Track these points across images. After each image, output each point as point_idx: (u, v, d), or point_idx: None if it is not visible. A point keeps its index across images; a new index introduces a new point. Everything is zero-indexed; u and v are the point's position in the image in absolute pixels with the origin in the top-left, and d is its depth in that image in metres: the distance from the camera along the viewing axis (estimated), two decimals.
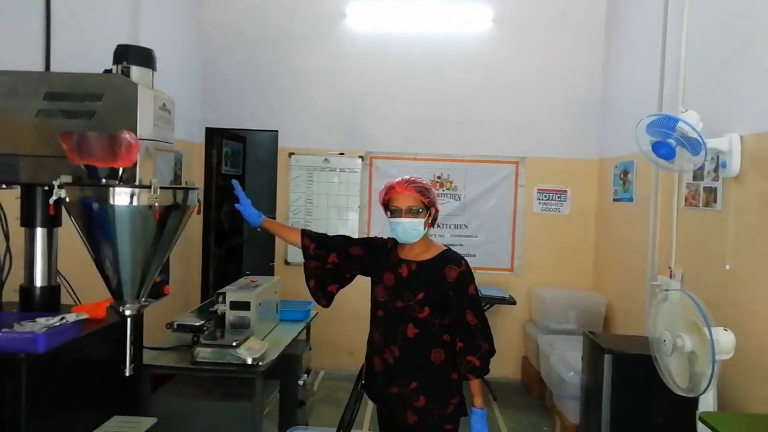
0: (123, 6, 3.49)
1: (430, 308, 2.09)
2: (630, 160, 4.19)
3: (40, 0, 2.84)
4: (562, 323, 4.54)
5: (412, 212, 2.10)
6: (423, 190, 2.13)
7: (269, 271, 5.04)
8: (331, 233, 2.36)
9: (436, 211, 2.20)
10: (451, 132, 4.97)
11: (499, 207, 4.95)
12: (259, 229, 2.33)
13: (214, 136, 5.15)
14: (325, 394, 4.46)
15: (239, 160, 5.83)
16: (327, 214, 5.04)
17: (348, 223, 5.02)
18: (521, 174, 4.95)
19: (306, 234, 2.30)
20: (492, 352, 2.12)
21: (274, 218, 5.10)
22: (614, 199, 4.50)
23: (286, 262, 4.99)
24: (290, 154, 5.05)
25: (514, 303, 4.44)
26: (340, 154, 5.02)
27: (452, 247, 2.26)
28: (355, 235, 4.92)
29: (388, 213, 2.17)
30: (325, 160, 5.02)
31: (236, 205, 2.27)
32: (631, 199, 4.20)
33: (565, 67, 4.93)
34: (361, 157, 5.01)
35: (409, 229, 2.11)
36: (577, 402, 3.45)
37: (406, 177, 2.18)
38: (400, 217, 2.11)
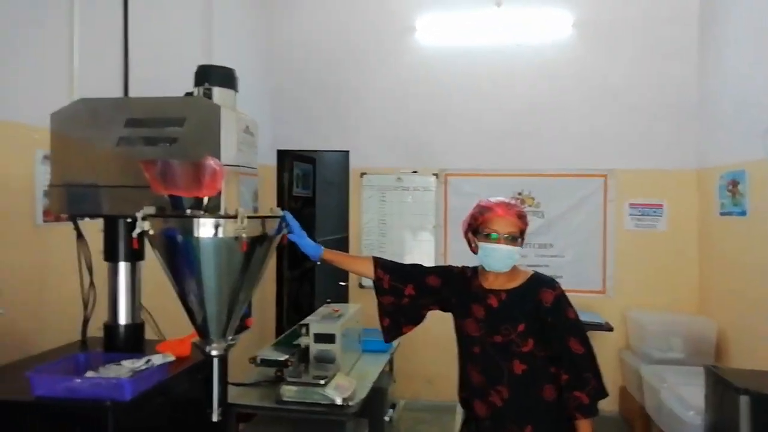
0: (197, 28, 3.47)
1: (534, 340, 1.85)
2: (739, 169, 3.74)
3: (118, 25, 2.83)
4: (666, 351, 4.09)
5: (510, 239, 1.88)
6: (522, 216, 1.92)
7: (342, 294, 4.89)
8: (406, 254, 2.13)
9: (524, 238, 1.97)
10: (531, 145, 4.67)
11: (587, 224, 4.58)
12: (319, 262, 2.09)
13: (285, 158, 5.10)
14: (406, 428, 4.20)
15: (310, 181, 5.76)
16: (401, 235, 4.84)
17: (423, 244, 4.80)
18: (610, 187, 4.57)
19: (379, 264, 2.06)
20: (601, 390, 1.85)
21: (347, 239, 4.98)
22: (722, 213, 4.04)
23: (361, 286, 4.82)
24: (362, 174, 4.90)
25: (611, 329, 4.04)
26: (413, 172, 4.83)
27: (537, 269, 2.02)
28: (432, 258, 4.81)
29: (479, 236, 1.93)
30: (398, 179, 4.84)
31: (290, 236, 1.96)
32: (743, 213, 3.74)
33: (654, 70, 4.53)
34: (435, 174, 4.79)
35: (506, 258, 1.89)
36: None
37: (501, 199, 1.95)
38: (498, 243, 1.88)
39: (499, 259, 1.89)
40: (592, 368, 1.85)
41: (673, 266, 4.49)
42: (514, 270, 1.96)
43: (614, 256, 4.56)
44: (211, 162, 1.60)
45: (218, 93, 1.79)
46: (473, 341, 1.94)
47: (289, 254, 5.17)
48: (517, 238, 1.89)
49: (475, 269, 2.02)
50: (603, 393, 1.86)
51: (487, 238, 1.90)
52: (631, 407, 4.15)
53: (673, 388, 3.47)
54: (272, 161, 4.98)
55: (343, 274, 4.89)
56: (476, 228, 1.95)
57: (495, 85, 4.71)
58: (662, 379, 3.66)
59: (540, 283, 1.93)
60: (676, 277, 4.48)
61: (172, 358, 1.75)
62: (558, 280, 1.94)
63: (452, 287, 2.02)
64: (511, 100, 4.69)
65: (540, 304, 1.88)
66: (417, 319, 2.09)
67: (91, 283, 2.00)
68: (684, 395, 3.29)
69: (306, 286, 5.70)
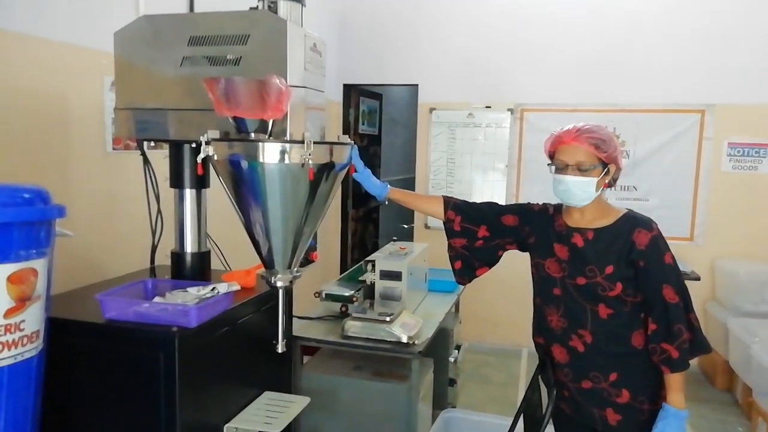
0: None
1: (623, 284, 1.67)
2: None
3: None
4: (758, 305, 3.77)
5: (581, 169, 1.66)
6: (599, 142, 1.66)
7: (408, 236, 4.79)
8: (475, 195, 1.96)
9: (618, 168, 1.73)
10: (619, 78, 4.24)
11: (678, 165, 4.18)
12: (386, 203, 1.95)
13: (351, 93, 4.94)
14: (470, 370, 4.15)
15: (375, 118, 5.59)
16: (471, 176, 4.63)
17: (495, 184, 4.57)
18: (708, 125, 4.12)
19: (449, 205, 1.91)
20: (696, 345, 1.67)
21: (413, 180, 4.83)
22: None
23: (427, 227, 4.70)
24: (431, 110, 4.67)
25: (697, 279, 3.74)
26: (487, 107, 4.54)
27: None
28: (503, 200, 4.59)
29: (552, 168, 1.74)
30: (470, 114, 4.58)
31: (353, 175, 1.84)
32: None
33: None
34: (510, 110, 4.49)
35: (574, 190, 1.68)
36: None
37: (580, 125, 1.71)
38: (565, 173, 1.68)
39: (565, 192, 1.70)
40: (686, 320, 1.67)
41: None
42: (604, 206, 1.76)
43: (707, 201, 4.16)
44: (276, 81, 1.48)
45: (284, 6, 1.65)
46: (554, 282, 1.78)
47: (354, 193, 5.10)
48: (591, 168, 1.67)
49: (559, 206, 1.84)
50: (699, 348, 1.68)
51: (557, 169, 1.72)
52: (715, 361, 3.88)
53: (765, 344, 3.19)
54: (337, 96, 4.84)
55: (409, 216, 4.77)
56: (552, 158, 1.76)
57: (577, 12, 4.27)
58: (753, 333, 3.39)
59: (634, 222, 1.72)
60: None
61: (237, 287, 1.72)
62: None
63: (532, 225, 1.86)
64: (595, 29, 4.25)
65: (633, 245, 1.68)
66: (492, 261, 1.94)
67: (159, 211, 1.99)
68: None
69: (370, 226, 5.66)
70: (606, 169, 1.70)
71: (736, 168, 4.11)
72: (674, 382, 1.67)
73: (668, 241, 1.73)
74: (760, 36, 3.98)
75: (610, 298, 1.69)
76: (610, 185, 1.75)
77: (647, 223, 1.72)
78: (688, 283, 1.76)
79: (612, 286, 1.69)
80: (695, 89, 4.12)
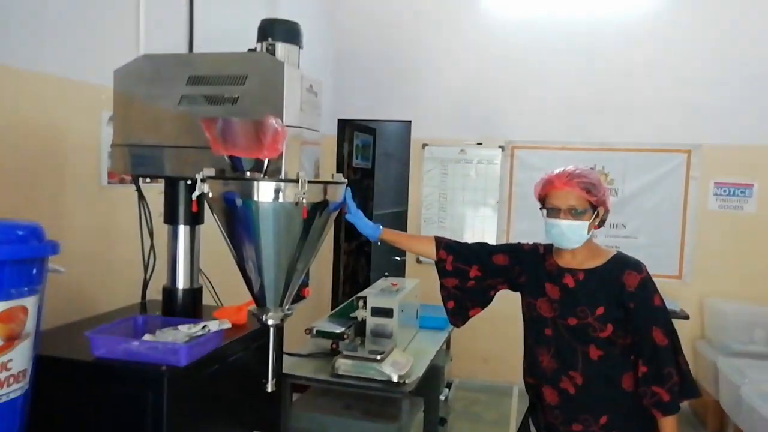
0: None
1: (614, 325, 1.69)
2: None
3: None
4: (747, 344, 3.79)
5: (573, 213, 1.70)
6: (590, 187, 1.71)
7: (400, 269, 4.80)
8: (466, 231, 1.99)
9: (606, 211, 1.77)
10: (608, 117, 4.34)
11: (666, 204, 4.25)
12: (378, 243, 1.99)
13: (346, 128, 5.00)
14: (460, 408, 4.10)
15: (369, 152, 5.65)
16: (462, 211, 4.67)
17: (486, 220, 4.61)
18: (694, 164, 4.20)
19: (441, 244, 1.94)
20: (685, 388, 1.67)
21: (406, 213, 4.86)
22: None
23: (419, 261, 4.70)
24: (423, 146, 4.74)
25: (686, 317, 3.75)
26: (478, 144, 4.62)
27: None
28: (493, 236, 4.62)
29: (544, 211, 1.78)
30: (461, 151, 4.65)
31: (346, 216, 1.89)
32: None
33: (752, 36, 4.09)
34: (501, 147, 4.56)
35: (567, 233, 1.72)
36: None
37: (570, 169, 1.76)
38: (558, 218, 1.72)
39: (559, 235, 1.74)
40: (676, 363, 1.68)
41: (761, 252, 4.11)
42: (594, 248, 1.80)
43: (694, 239, 4.22)
44: (272, 121, 1.51)
45: (282, 48, 1.69)
46: (545, 322, 1.79)
47: (346, 226, 5.11)
48: (583, 212, 1.71)
49: (549, 246, 1.87)
50: (689, 392, 1.69)
51: (549, 213, 1.75)
52: (704, 401, 3.87)
53: (755, 385, 3.20)
54: (332, 131, 4.90)
55: (400, 249, 4.78)
56: (542, 202, 1.80)
57: (569, 52, 4.39)
58: (742, 373, 3.39)
59: (624, 264, 1.75)
60: (762, 264, 4.10)
61: (228, 325, 1.70)
62: None
63: (522, 265, 1.88)
64: (585, 69, 4.37)
65: (623, 287, 1.70)
66: (485, 301, 1.96)
67: (152, 246, 1.99)
68: None
69: (362, 259, 5.65)
70: (596, 212, 1.74)
71: (722, 207, 4.18)
72: (668, 427, 1.67)
73: (657, 279, 1.75)
74: (743, 79, 4.11)
75: (601, 339, 1.71)
76: (599, 226, 1.79)
77: (637, 265, 1.75)
78: (676, 321, 1.78)
79: (603, 327, 1.70)
80: (682, 129, 4.22)
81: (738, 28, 4.11)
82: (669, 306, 4.07)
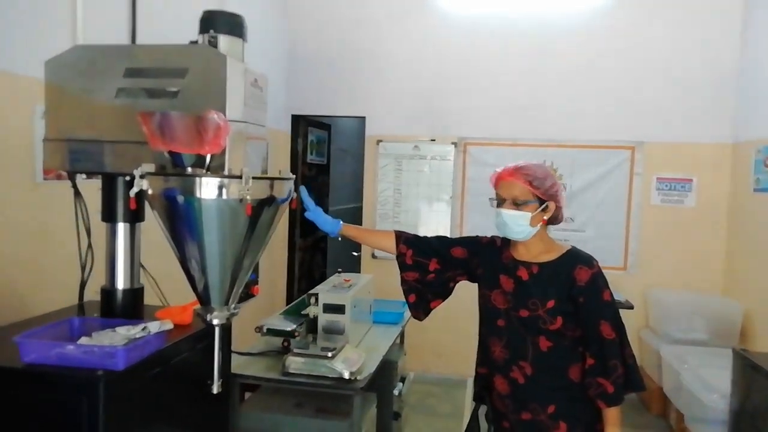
0: None
1: (563, 318, 1.73)
2: None
3: None
4: (688, 332, 3.95)
5: (516, 203, 1.74)
6: (533, 179, 1.74)
7: (356, 264, 4.78)
8: (421, 225, 2.01)
9: (557, 207, 1.80)
10: (556, 115, 4.45)
11: (611, 198, 4.39)
12: (339, 239, 2.00)
13: (300, 124, 4.94)
14: (415, 401, 4.13)
15: (324, 148, 5.60)
16: (417, 206, 4.69)
17: (440, 215, 4.65)
18: (638, 161, 4.35)
19: (401, 239, 1.96)
20: (630, 381, 1.72)
21: (361, 209, 4.84)
22: (756, 190, 3.83)
23: (374, 256, 4.70)
24: (378, 142, 4.73)
25: (630, 308, 3.88)
26: (431, 140, 4.65)
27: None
28: (447, 230, 4.67)
29: (494, 202, 1.82)
30: (415, 147, 4.67)
31: (306, 214, 1.93)
32: None
33: (692, 38, 4.26)
34: (454, 143, 4.61)
35: (509, 222, 1.76)
36: (720, 428, 2.92)
37: (520, 163, 1.79)
38: (502, 207, 1.76)
39: (501, 225, 1.78)
40: (622, 356, 1.72)
41: (700, 244, 4.31)
42: (548, 242, 1.83)
43: (638, 232, 4.38)
44: (214, 116, 1.46)
45: (224, 41, 1.65)
46: (498, 314, 1.82)
47: (301, 222, 5.06)
48: (525, 203, 1.74)
49: (507, 240, 1.88)
50: (633, 385, 1.73)
51: (497, 203, 1.79)
52: (649, 387, 4.02)
53: (694, 370, 3.34)
54: (286, 127, 4.83)
55: (356, 245, 4.76)
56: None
57: (520, 51, 4.47)
58: (683, 360, 3.53)
59: (576, 259, 1.79)
60: (702, 255, 4.30)
61: (170, 326, 1.65)
62: None
63: (480, 257, 1.91)
64: (535, 68, 4.46)
65: (574, 281, 1.74)
66: (445, 293, 1.98)
67: (89, 245, 1.90)
68: (706, 378, 3.16)
69: (318, 255, 5.61)
70: (545, 206, 1.76)
71: (664, 201, 4.35)
72: (612, 417, 1.72)
73: (604, 270, 1.79)
74: (684, 80, 4.28)
75: (551, 331, 1.74)
76: (551, 222, 1.81)
77: (588, 261, 1.78)
78: (622, 311, 1.83)
79: (553, 320, 1.73)
80: (626, 127, 4.37)
81: (678, 31, 4.28)
82: (615, 297, 4.22)
